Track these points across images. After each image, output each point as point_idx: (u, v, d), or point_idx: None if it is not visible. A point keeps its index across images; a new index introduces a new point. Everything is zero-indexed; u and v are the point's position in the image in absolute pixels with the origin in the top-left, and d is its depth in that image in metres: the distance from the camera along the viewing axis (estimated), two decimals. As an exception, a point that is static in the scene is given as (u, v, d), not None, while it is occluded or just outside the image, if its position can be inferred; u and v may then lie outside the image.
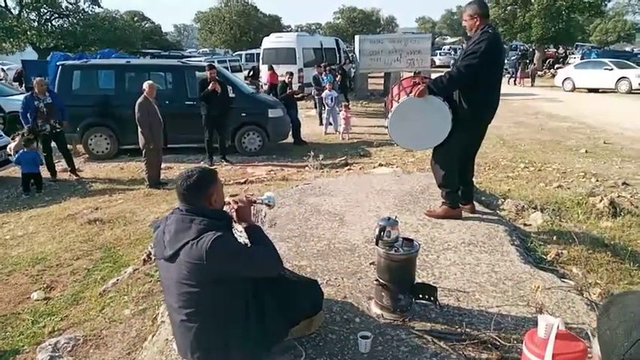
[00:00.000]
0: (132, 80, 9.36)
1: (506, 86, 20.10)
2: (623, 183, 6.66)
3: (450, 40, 63.64)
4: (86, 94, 9.32)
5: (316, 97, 12.65)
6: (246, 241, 2.28)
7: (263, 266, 2.16)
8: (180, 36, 79.58)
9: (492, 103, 3.90)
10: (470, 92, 3.75)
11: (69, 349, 3.08)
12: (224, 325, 2.06)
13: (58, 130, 7.87)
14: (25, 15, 30.80)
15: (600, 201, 5.23)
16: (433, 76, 4.68)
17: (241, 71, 20.33)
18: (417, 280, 2.79)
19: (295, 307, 2.32)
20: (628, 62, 21.13)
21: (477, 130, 3.98)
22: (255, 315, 2.13)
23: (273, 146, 9.55)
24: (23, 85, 16.72)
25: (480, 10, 3.76)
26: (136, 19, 48.68)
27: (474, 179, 4.43)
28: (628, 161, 8.14)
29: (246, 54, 27.41)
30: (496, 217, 4.38)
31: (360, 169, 7.90)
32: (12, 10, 30.40)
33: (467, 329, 2.52)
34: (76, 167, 8.33)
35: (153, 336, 2.92)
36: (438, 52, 39.12)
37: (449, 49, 41.79)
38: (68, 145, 8.42)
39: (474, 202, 4.43)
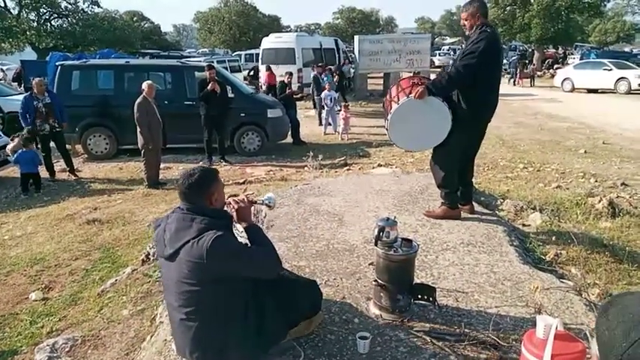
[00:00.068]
0: (131, 80, 9.35)
1: (505, 86, 20.12)
2: (622, 183, 6.66)
3: (449, 40, 63.64)
4: (85, 94, 9.31)
5: (316, 97, 12.65)
6: (246, 241, 2.28)
7: (263, 266, 2.16)
8: (180, 36, 79.59)
9: (491, 103, 3.90)
10: (468, 92, 3.75)
11: (67, 349, 3.07)
12: (223, 324, 2.06)
13: (57, 130, 7.87)
14: (25, 15, 30.80)
15: (599, 201, 5.23)
16: (432, 76, 4.67)
17: (240, 71, 20.33)
18: (416, 280, 2.79)
19: (295, 308, 2.32)
20: (627, 63, 21.15)
21: (477, 130, 3.98)
22: (254, 315, 2.13)
23: (272, 146, 9.55)
24: (22, 85, 16.70)
25: (478, 9, 3.76)
26: (135, 19, 48.66)
27: (473, 180, 4.43)
28: (627, 162, 8.15)
29: (246, 54, 27.42)
30: (495, 218, 4.38)
31: (360, 169, 7.90)
32: (11, 10, 30.39)
33: (466, 330, 2.52)
34: (75, 167, 8.32)
35: (151, 336, 2.91)
36: (437, 52, 39.12)
37: (448, 50, 41.79)
38: (67, 145, 8.41)
39: (473, 203, 4.42)
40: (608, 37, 49.50)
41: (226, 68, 14.98)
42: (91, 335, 3.23)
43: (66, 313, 3.71)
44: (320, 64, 13.94)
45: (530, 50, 33.41)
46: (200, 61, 15.49)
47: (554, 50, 35.80)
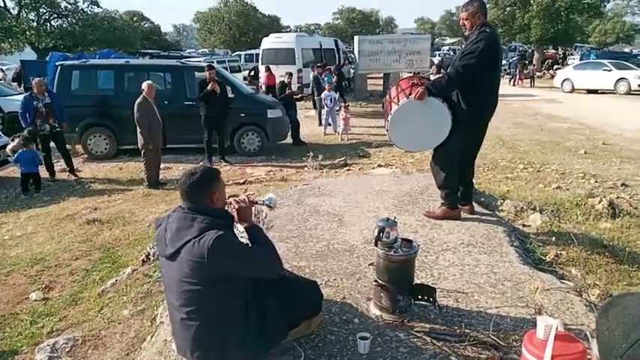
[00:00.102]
0: (131, 80, 9.35)
1: (505, 87, 20.13)
2: (622, 184, 6.67)
3: (449, 40, 63.66)
4: (85, 94, 9.31)
5: (316, 97, 12.65)
6: (247, 241, 2.28)
7: (264, 266, 2.16)
8: (180, 36, 79.57)
9: (490, 103, 3.90)
10: (468, 92, 3.75)
11: (67, 349, 3.07)
12: (224, 324, 2.06)
13: (58, 130, 7.87)
14: (24, 15, 30.80)
15: (599, 202, 5.24)
16: (432, 77, 4.68)
17: (240, 72, 20.34)
18: (416, 281, 2.79)
19: (295, 309, 2.32)
20: (627, 63, 21.16)
21: (477, 131, 3.98)
22: (255, 315, 2.14)
23: (272, 147, 9.55)
24: (22, 85, 16.70)
25: (478, 9, 3.76)
26: (135, 19, 48.67)
27: (473, 180, 4.43)
28: (627, 162, 8.15)
29: (246, 54, 27.43)
30: (495, 218, 4.39)
31: (360, 169, 7.90)
32: (11, 10, 30.39)
33: (466, 330, 2.52)
34: (75, 167, 8.32)
35: (151, 337, 2.91)
36: (437, 52, 39.13)
37: (448, 50, 41.81)
38: (67, 145, 8.41)
39: (473, 203, 4.43)
40: (607, 38, 49.50)
41: (226, 68, 14.97)
42: (92, 335, 3.23)
43: (66, 313, 3.71)
44: (320, 64, 13.94)
45: (530, 51, 33.41)
46: (200, 62, 15.49)
47: (554, 51, 35.79)
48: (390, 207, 4.57)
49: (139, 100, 7.01)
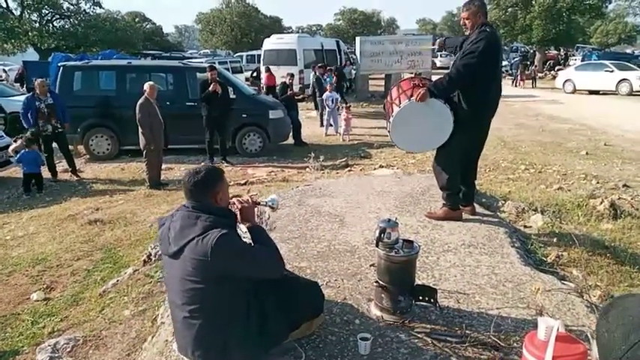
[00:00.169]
0: (133, 81, 9.37)
1: (507, 88, 20.06)
2: (624, 185, 6.65)
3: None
4: (87, 94, 9.34)
5: (317, 98, 12.65)
6: (250, 241, 2.29)
7: (266, 266, 2.17)
8: (182, 37, 79.71)
9: (491, 102, 3.90)
10: (468, 92, 3.75)
11: (68, 349, 3.08)
12: (226, 323, 2.06)
13: (60, 131, 7.89)
14: (27, 16, 30.90)
15: (601, 203, 5.23)
16: (433, 77, 4.68)
17: (242, 72, 20.35)
18: (417, 281, 2.79)
19: (296, 309, 2.32)
20: (629, 64, 21.12)
21: (478, 131, 3.98)
22: (257, 315, 2.14)
23: (273, 147, 9.55)
24: (24, 85, 16.74)
25: (479, 9, 3.77)
26: (137, 20, 48.78)
27: (475, 181, 4.43)
28: (629, 163, 8.13)
29: (247, 55, 27.47)
30: (496, 219, 4.38)
31: (361, 170, 7.90)
32: (13, 11, 30.50)
33: (467, 331, 2.52)
34: (77, 168, 8.34)
35: (152, 337, 2.92)
36: (438, 53, 39.04)
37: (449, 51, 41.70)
38: (69, 146, 8.43)
39: (475, 204, 4.42)
40: (609, 39, 49.43)
41: (228, 69, 14.96)
42: (93, 336, 3.23)
43: (67, 314, 3.71)
44: (321, 65, 13.94)
45: (531, 51, 33.38)
46: (202, 62, 15.50)
47: (556, 52, 35.77)
48: (392, 208, 4.57)
49: (140, 101, 7.03)
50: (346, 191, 5.19)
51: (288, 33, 40.16)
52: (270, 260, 2.18)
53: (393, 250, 2.56)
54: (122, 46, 30.42)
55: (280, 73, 15.01)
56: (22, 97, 9.39)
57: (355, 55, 18.18)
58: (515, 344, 2.39)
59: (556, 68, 29.22)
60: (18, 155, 7.36)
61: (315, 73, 13.32)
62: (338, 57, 20.36)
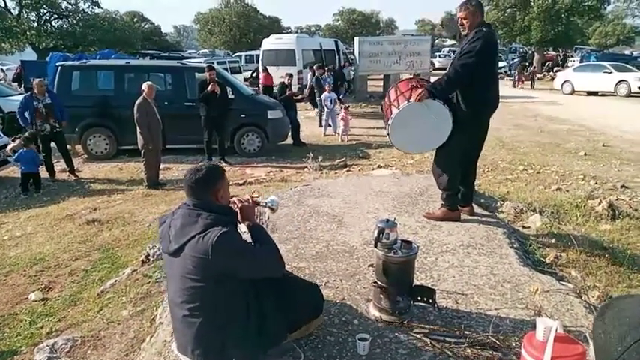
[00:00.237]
0: (131, 81, 9.35)
1: (506, 89, 20.14)
2: (622, 186, 6.67)
3: (449, 42, 63.66)
4: (85, 94, 9.31)
5: (317, 98, 12.64)
6: (250, 240, 2.29)
7: (266, 265, 2.17)
8: (180, 37, 79.58)
9: (489, 102, 3.91)
10: (466, 92, 3.76)
11: (67, 349, 3.07)
12: (225, 322, 2.06)
13: (58, 131, 7.87)
14: (25, 15, 30.83)
15: (599, 204, 5.24)
16: (432, 79, 4.68)
17: (241, 72, 20.33)
18: (416, 282, 2.79)
19: (295, 309, 2.32)
20: (627, 65, 21.16)
21: (477, 130, 3.98)
22: (256, 315, 2.14)
23: (272, 147, 9.55)
24: (22, 85, 16.70)
25: (477, 8, 3.78)
26: (135, 19, 48.68)
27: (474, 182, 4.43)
28: (627, 164, 8.15)
29: (246, 55, 27.45)
30: (495, 220, 4.39)
31: (359, 170, 7.90)
32: (12, 11, 30.43)
33: (465, 331, 2.52)
34: (75, 168, 8.32)
35: (151, 337, 2.91)
36: (437, 54, 39.12)
37: (448, 51, 41.80)
38: (67, 146, 8.41)
39: (473, 205, 4.43)
40: (608, 40, 49.52)
41: (226, 69, 14.97)
42: (91, 336, 3.23)
43: (65, 314, 3.70)
44: (319, 65, 13.93)
45: (530, 53, 33.44)
46: (200, 62, 15.49)
47: (554, 53, 35.83)
48: (390, 208, 4.57)
49: (139, 101, 7.02)
50: (345, 191, 5.19)
51: (287, 33, 40.16)
52: (271, 259, 2.18)
53: (391, 251, 2.56)
54: (120, 46, 30.37)
55: (279, 74, 15.01)
56: (20, 97, 9.37)
57: (354, 55, 18.18)
58: (513, 344, 2.39)
59: (554, 69, 29.25)
60: (16, 155, 7.34)
61: (314, 73, 13.31)
62: (337, 57, 20.36)
